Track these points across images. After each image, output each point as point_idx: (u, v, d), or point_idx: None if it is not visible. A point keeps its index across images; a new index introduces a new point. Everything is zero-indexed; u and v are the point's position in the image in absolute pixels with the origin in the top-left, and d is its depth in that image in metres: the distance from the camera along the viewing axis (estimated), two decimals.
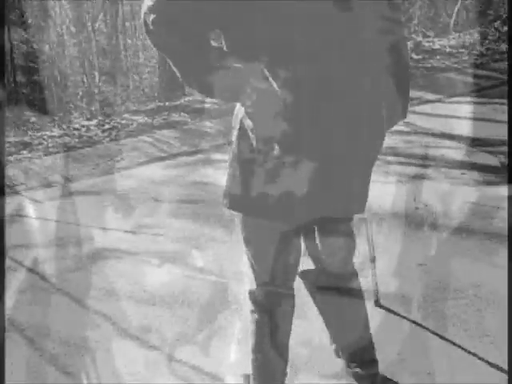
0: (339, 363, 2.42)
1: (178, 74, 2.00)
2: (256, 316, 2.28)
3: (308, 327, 2.56)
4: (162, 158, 5.22)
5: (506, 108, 6.33)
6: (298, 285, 2.41)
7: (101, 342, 2.87)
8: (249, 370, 2.39)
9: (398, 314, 3.00)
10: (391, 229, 3.77)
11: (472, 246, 3.61)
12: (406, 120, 2.25)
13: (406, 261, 3.48)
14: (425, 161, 4.83)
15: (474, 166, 4.76)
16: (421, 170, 4.62)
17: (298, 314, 2.54)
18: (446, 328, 2.91)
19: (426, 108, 6.35)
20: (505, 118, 5.94)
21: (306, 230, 2.28)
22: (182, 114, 6.25)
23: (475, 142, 5.26)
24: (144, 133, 5.82)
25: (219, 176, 4.79)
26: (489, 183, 4.49)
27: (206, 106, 6.60)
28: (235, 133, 2.02)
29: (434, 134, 5.42)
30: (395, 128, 2.23)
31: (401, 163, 4.84)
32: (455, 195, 4.27)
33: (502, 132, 5.52)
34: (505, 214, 3.98)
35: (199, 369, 2.45)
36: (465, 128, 5.64)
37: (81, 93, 7.68)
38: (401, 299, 3.13)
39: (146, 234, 3.90)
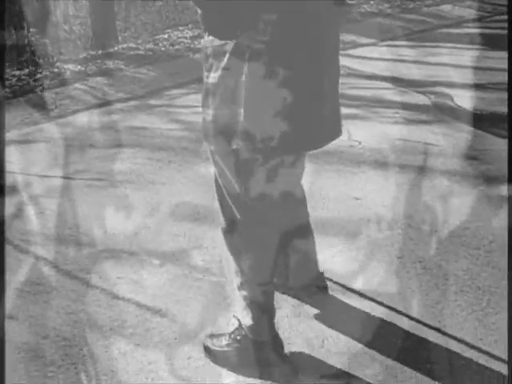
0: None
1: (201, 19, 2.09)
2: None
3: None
4: (97, 105, 5.16)
5: (435, 51, 6.50)
6: None
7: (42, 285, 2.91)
8: None
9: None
10: (327, 166, 3.87)
11: (404, 180, 3.74)
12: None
13: (343, 195, 3.59)
14: (358, 101, 4.93)
15: (406, 106, 4.89)
16: (354, 110, 4.72)
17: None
18: (380, 256, 3.03)
19: (359, 51, 6.43)
20: (434, 60, 6.10)
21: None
22: (116, 61, 6.15)
23: (407, 83, 5.38)
24: (78, 81, 5.71)
25: (155, 121, 4.81)
26: (420, 121, 4.63)
27: (140, 52, 6.53)
28: (244, 70, 2.03)
29: (366, 76, 5.51)
30: None
31: None
32: (388, 133, 4.39)
33: (431, 73, 5.67)
34: (433, 149, 4.14)
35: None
36: (397, 70, 5.76)
37: (9, 43, 7.46)
38: (340, 231, 3.24)
39: (83, 179, 3.89)
